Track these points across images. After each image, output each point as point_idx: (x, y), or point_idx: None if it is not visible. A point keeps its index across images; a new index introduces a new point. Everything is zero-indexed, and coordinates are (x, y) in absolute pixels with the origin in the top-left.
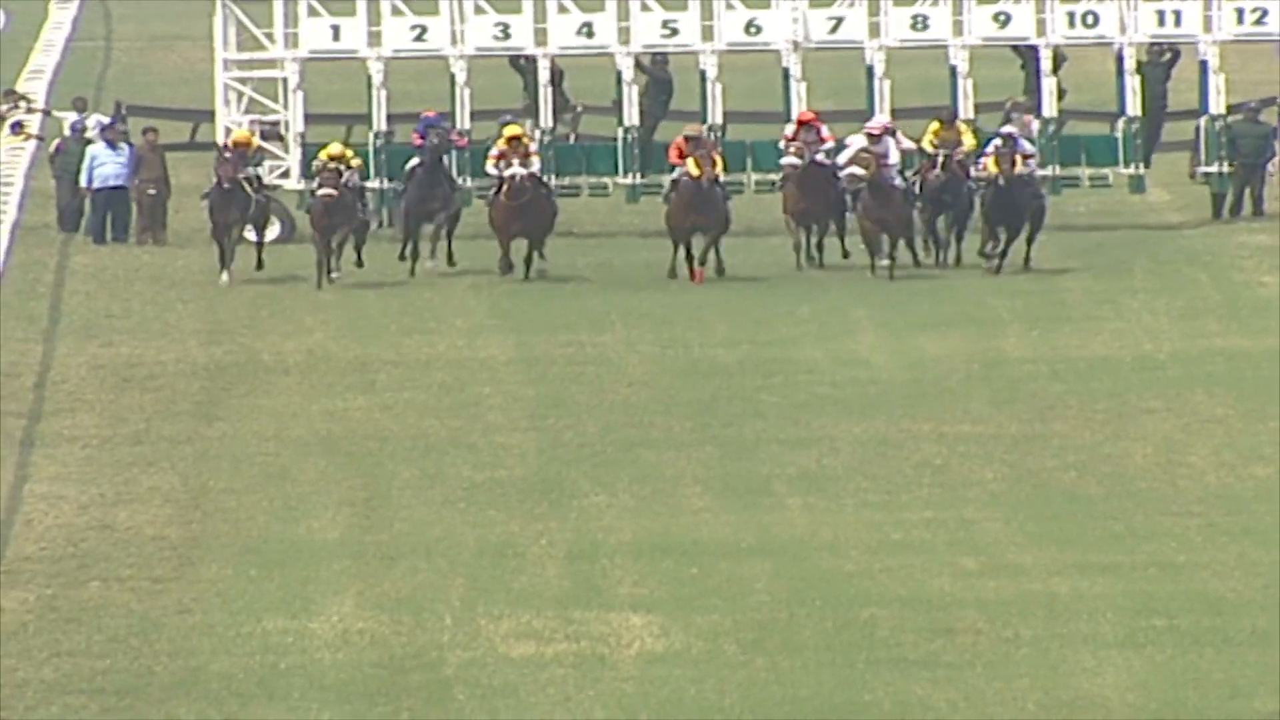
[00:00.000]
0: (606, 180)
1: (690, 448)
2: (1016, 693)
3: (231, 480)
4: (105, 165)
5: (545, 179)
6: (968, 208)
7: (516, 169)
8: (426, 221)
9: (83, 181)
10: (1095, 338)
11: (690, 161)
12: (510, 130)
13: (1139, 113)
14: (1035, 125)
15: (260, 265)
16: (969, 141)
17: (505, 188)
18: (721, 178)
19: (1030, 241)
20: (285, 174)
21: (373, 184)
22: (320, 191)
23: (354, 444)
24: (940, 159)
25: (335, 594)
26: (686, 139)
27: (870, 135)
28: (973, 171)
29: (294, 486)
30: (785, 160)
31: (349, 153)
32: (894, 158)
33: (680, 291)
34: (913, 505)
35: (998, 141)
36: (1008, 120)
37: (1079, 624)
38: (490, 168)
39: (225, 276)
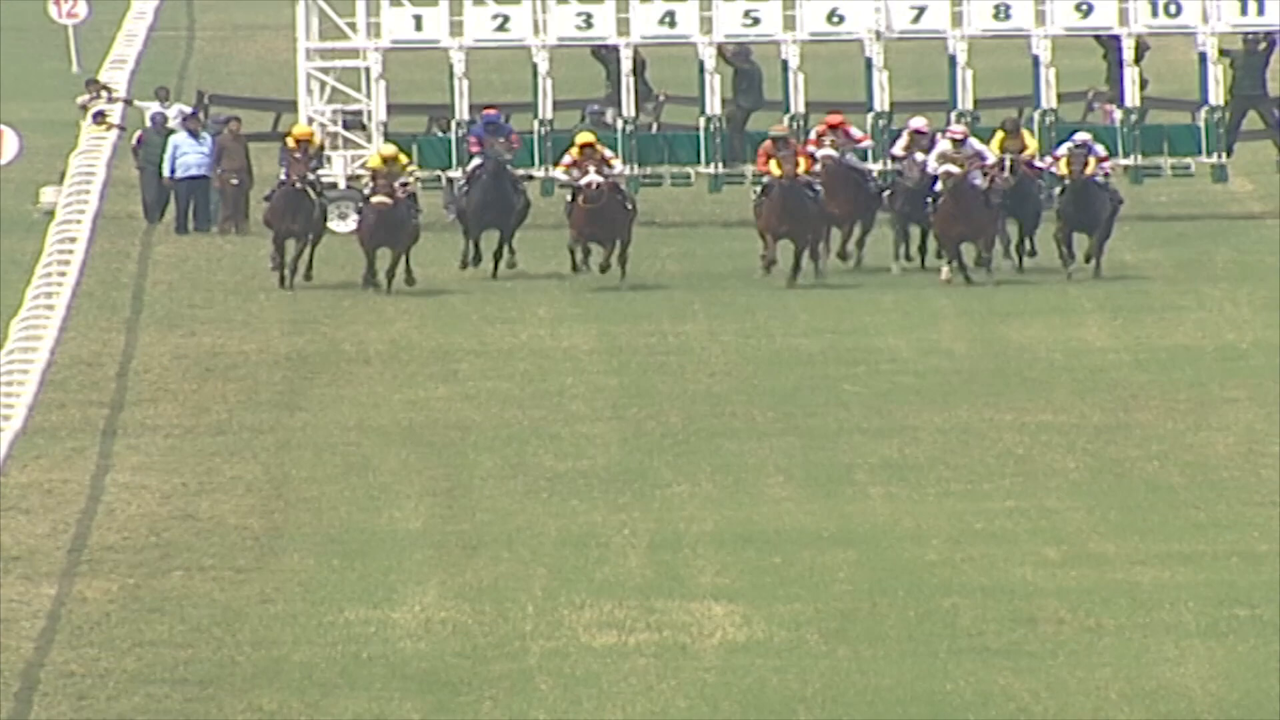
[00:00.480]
0: (689, 170)
1: (772, 437)
2: (1099, 682)
3: (313, 470)
4: (188, 155)
5: (622, 186)
6: (1037, 210)
7: (593, 176)
8: (489, 229)
9: (165, 171)
10: (1178, 327)
11: (773, 163)
12: (583, 138)
13: (1220, 102)
14: (1117, 115)
15: (309, 276)
16: (1032, 145)
17: (581, 195)
18: (807, 178)
19: (1100, 245)
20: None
21: (455, 173)
22: (375, 199)
23: (436, 433)
24: (1008, 162)
25: (417, 584)
26: (773, 140)
27: (955, 140)
28: (1045, 163)
29: (376, 476)
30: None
31: (403, 157)
32: (990, 157)
33: (762, 282)
34: (995, 495)
35: (1070, 144)
36: (1090, 110)
37: (1161, 613)
38: (561, 174)
39: (280, 276)
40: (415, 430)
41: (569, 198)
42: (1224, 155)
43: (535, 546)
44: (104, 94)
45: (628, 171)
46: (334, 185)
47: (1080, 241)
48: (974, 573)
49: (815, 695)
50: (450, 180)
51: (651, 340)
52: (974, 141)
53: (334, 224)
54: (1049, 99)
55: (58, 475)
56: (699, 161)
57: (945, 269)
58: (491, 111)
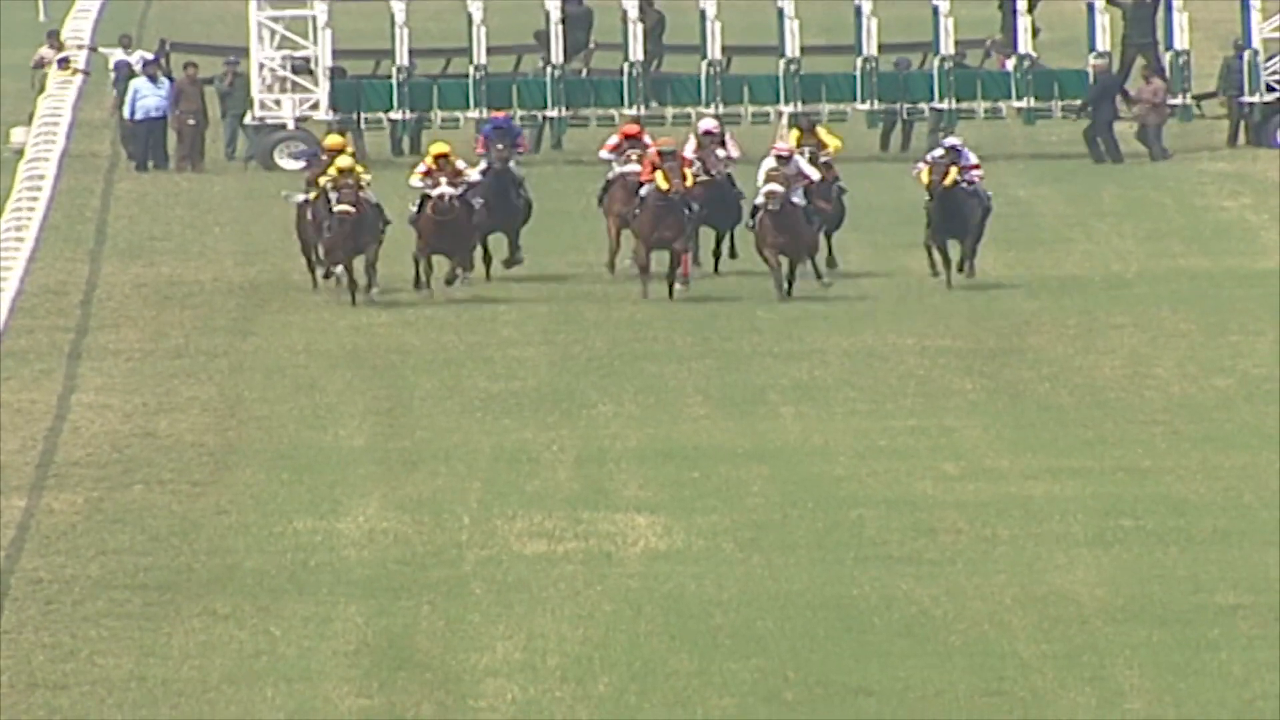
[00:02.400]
0: (613, 112)
1: (691, 360)
2: (994, 588)
3: (264, 390)
4: (147, 98)
5: (471, 200)
6: (737, 215)
7: (445, 188)
8: (494, 232)
9: (125, 114)
10: (1067, 258)
11: (659, 175)
12: (437, 148)
13: (1109, 49)
14: (1010, 63)
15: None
16: (832, 143)
17: (431, 206)
18: (692, 188)
19: (972, 249)
20: (315, 106)
21: (396, 115)
22: (338, 207)
23: (378, 357)
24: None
25: (361, 496)
26: (660, 154)
27: (780, 157)
28: (913, 170)
29: (322, 396)
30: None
31: (360, 167)
32: (814, 175)
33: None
34: (898, 414)
35: (939, 151)
36: (987, 57)
37: (1052, 524)
38: (416, 181)
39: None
40: (359, 354)
41: (415, 208)
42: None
43: (471, 462)
44: (62, 46)
45: (556, 114)
46: (283, 126)
47: (954, 247)
48: (878, 486)
49: (731, 600)
50: (391, 121)
51: (579, 270)
52: (800, 160)
53: (283, 162)
54: (948, 46)
55: (26, 396)
56: (622, 104)
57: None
58: (499, 115)
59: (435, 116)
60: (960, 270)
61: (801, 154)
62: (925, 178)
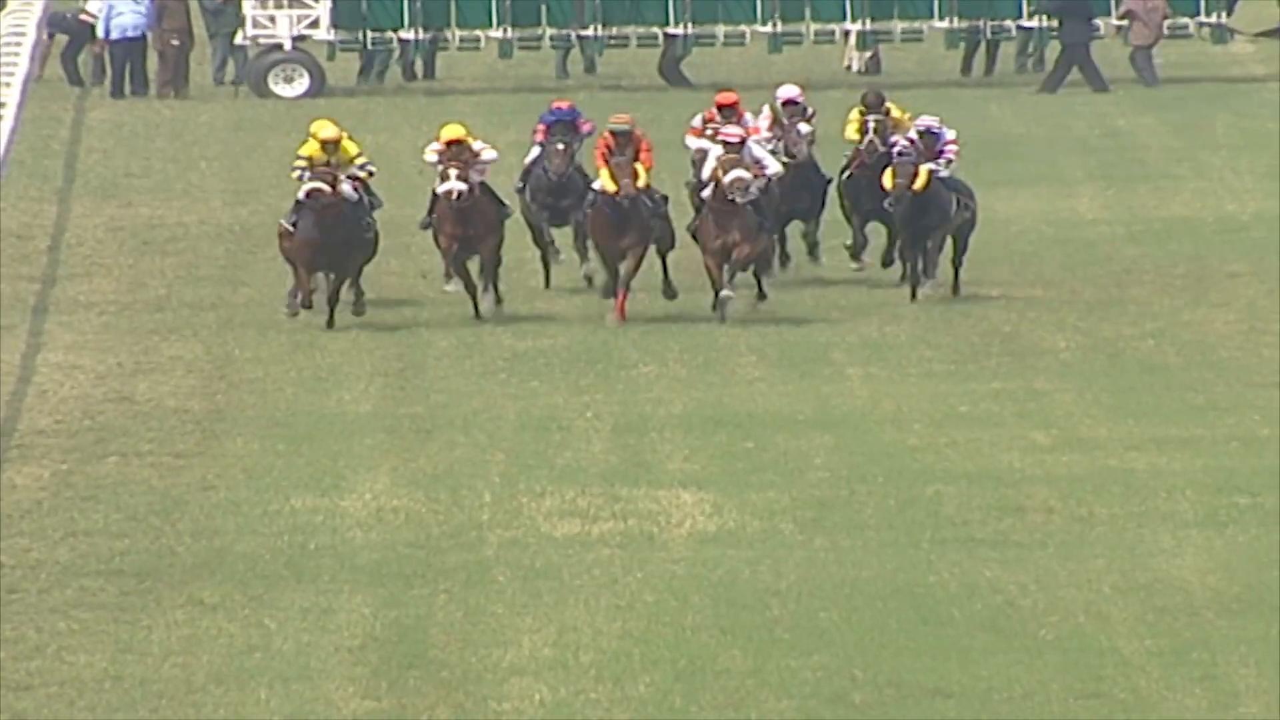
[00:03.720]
0: (657, 30)
1: (744, 315)
2: (1090, 574)
3: (258, 349)
4: (123, 15)
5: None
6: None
7: (454, 184)
8: (556, 225)
9: (99, 32)
10: (1174, 197)
11: (604, 174)
12: (449, 132)
13: None
14: None
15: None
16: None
17: (443, 200)
18: (646, 189)
19: (957, 264)
20: (314, 24)
21: (407, 34)
22: (308, 186)
23: (388, 310)
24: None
25: (368, 470)
26: (613, 134)
27: (727, 142)
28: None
29: (324, 356)
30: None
31: (350, 144)
32: (772, 165)
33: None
34: (980, 375)
35: (904, 142)
36: None
37: (1157, 502)
38: (430, 157)
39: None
40: (365, 306)
41: (427, 212)
42: (1224, 15)
43: (493, 430)
44: None
45: (591, 33)
46: (278, 46)
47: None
48: (958, 458)
49: (790, 588)
50: (403, 41)
51: None
52: (754, 146)
53: (278, 88)
54: None
55: None
56: (666, 21)
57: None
58: (563, 105)
59: (452, 36)
60: (932, 289)
61: (882, 122)
62: (889, 181)
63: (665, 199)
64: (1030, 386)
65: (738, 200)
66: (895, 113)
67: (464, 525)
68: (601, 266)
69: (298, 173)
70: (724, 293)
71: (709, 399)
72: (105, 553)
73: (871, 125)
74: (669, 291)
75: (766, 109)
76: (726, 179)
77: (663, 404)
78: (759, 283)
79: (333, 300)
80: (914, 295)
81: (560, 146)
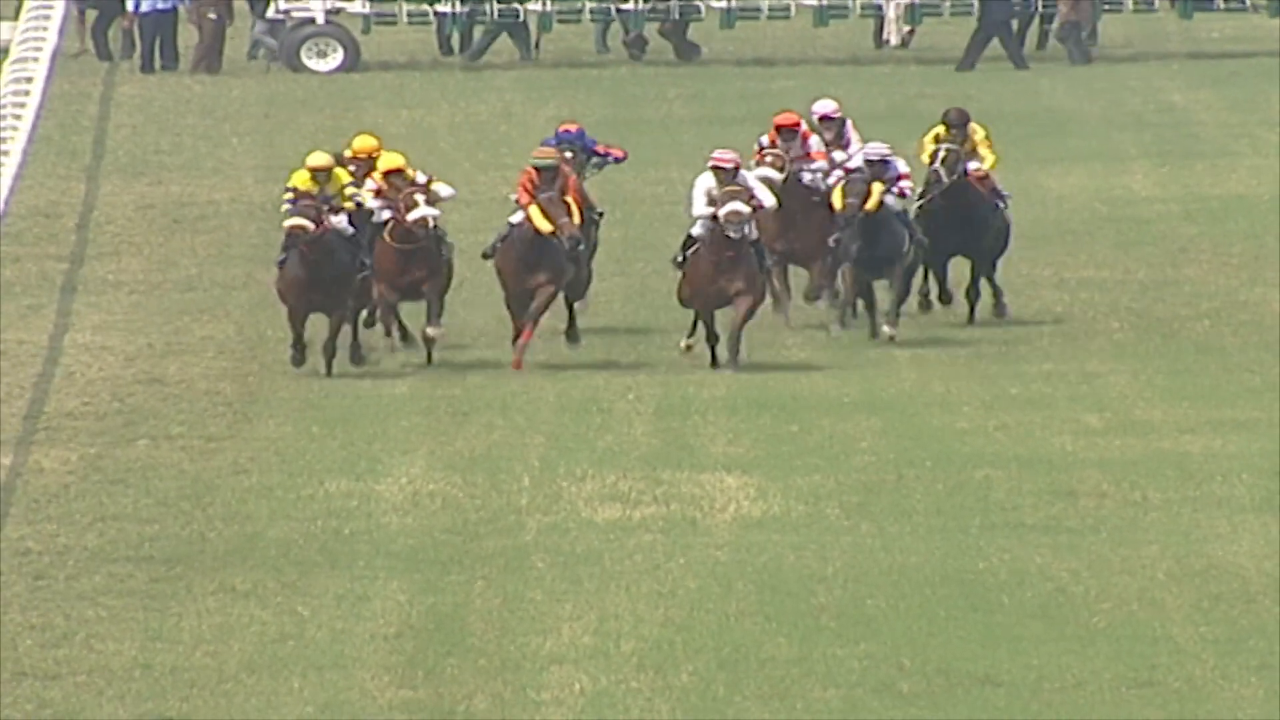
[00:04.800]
0: (699, 3)
1: (791, 293)
2: (1144, 560)
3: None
4: None
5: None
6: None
7: (425, 210)
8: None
9: (129, 5)
10: (1231, 174)
11: (535, 210)
12: (387, 161)
13: None
14: None
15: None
16: (990, 159)
17: (391, 232)
18: (577, 234)
19: (900, 299)
20: None
21: (444, 7)
22: (289, 223)
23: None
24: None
25: (404, 453)
26: (539, 170)
27: (720, 168)
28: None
29: (360, 336)
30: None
31: (342, 172)
32: (767, 198)
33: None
34: (1031, 357)
35: (856, 160)
36: None
37: (1212, 486)
38: (371, 200)
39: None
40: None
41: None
42: None
43: (531, 413)
44: None
45: (632, 7)
46: (311, 20)
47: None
48: (1008, 442)
49: (836, 575)
50: (439, 15)
51: (659, 190)
52: (747, 175)
53: (311, 62)
54: None
55: (13, 335)
56: None
57: (686, 339)
58: (571, 128)
59: (490, 8)
60: (882, 329)
61: (952, 152)
62: (838, 201)
63: (600, 216)
64: (1083, 368)
65: (732, 236)
66: (978, 135)
67: (502, 510)
68: (506, 306)
69: (285, 205)
70: (722, 365)
71: (753, 381)
72: (135, 538)
73: (941, 154)
74: (573, 335)
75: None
76: (722, 212)
77: (706, 386)
78: (736, 339)
79: (329, 348)
80: (873, 333)
81: (569, 154)
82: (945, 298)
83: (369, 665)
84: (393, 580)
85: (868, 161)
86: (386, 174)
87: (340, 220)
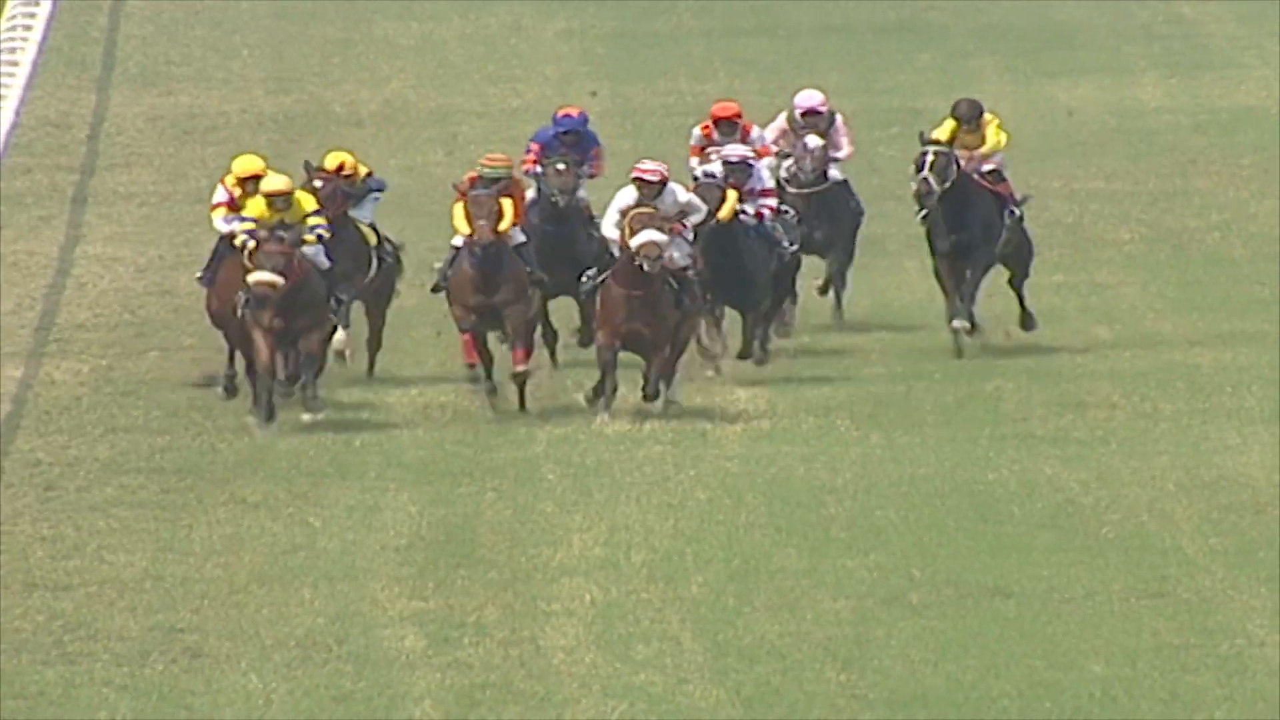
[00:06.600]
0: None
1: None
2: (1154, 471)
3: None
4: None
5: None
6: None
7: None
8: (554, 297)
9: None
10: (1240, 86)
11: (458, 209)
12: (243, 165)
13: None
14: None
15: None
16: (992, 140)
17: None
18: (513, 235)
19: (754, 328)
20: None
21: None
22: (256, 278)
23: (434, 201)
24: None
25: (415, 365)
26: (472, 181)
27: (644, 181)
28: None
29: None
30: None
31: (305, 199)
32: (695, 214)
33: (789, 38)
34: (1041, 268)
35: (714, 166)
36: None
37: (1222, 397)
38: (220, 222)
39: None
40: (411, 198)
41: (206, 263)
42: None
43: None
44: None
45: None
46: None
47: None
48: (1018, 353)
49: (846, 485)
50: None
51: (668, 100)
52: (677, 187)
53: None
54: None
55: (23, 246)
56: None
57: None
58: (572, 113)
59: None
60: (744, 354)
61: (941, 155)
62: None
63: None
64: (1093, 280)
65: (646, 269)
66: (992, 131)
67: (512, 421)
68: (462, 340)
69: (242, 237)
70: (650, 403)
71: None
72: (145, 450)
73: (930, 158)
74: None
75: (782, 118)
76: (635, 242)
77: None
78: (657, 377)
79: (294, 378)
80: (717, 369)
81: (561, 166)
82: (968, 320)
83: (380, 576)
84: (403, 491)
85: (725, 164)
86: (242, 180)
87: (311, 250)
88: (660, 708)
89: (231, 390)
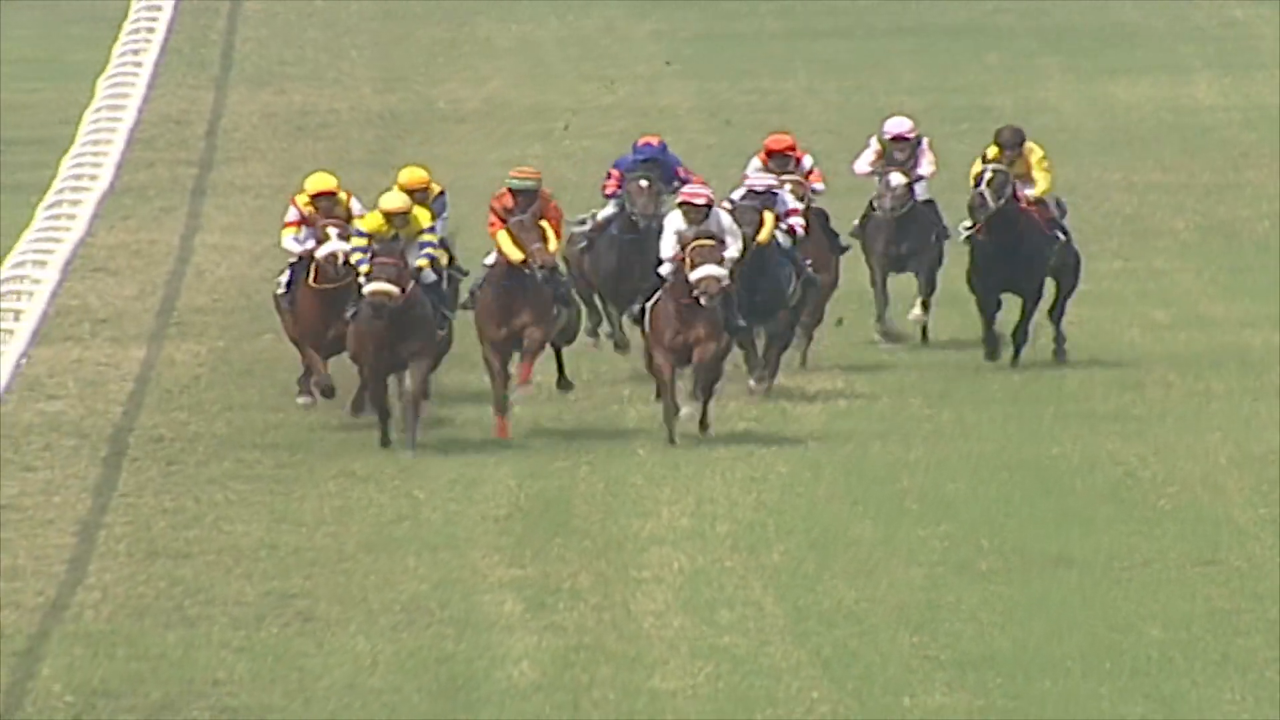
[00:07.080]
0: None
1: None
2: (1208, 447)
3: None
4: None
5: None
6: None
7: (337, 244)
8: (626, 303)
9: None
10: None
11: (503, 236)
12: (316, 182)
13: None
14: None
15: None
16: (1043, 184)
17: (313, 272)
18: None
19: (784, 345)
20: None
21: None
22: (372, 288)
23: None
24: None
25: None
26: (512, 192)
27: (691, 205)
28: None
29: (470, 239)
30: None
31: (422, 214)
32: (733, 248)
33: (865, 38)
34: (1102, 255)
35: (739, 191)
36: None
37: (1272, 377)
38: (290, 241)
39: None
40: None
41: (284, 284)
42: None
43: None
44: None
45: None
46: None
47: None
48: (1080, 336)
49: (918, 461)
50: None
51: (751, 98)
52: (721, 212)
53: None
54: None
55: (145, 236)
56: None
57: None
58: (652, 141)
59: None
60: (757, 382)
61: (1000, 174)
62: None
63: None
64: (1150, 266)
65: (704, 304)
66: (1035, 155)
67: (606, 400)
68: (490, 359)
69: (358, 254)
70: (683, 410)
71: (842, 281)
72: (260, 426)
73: (988, 175)
74: (564, 384)
75: (874, 143)
76: (695, 276)
77: None
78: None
79: (412, 408)
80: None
81: (644, 183)
82: (990, 344)
83: (480, 545)
84: (503, 465)
85: (752, 193)
86: (315, 197)
87: (421, 262)
88: (743, 668)
89: (330, 393)
